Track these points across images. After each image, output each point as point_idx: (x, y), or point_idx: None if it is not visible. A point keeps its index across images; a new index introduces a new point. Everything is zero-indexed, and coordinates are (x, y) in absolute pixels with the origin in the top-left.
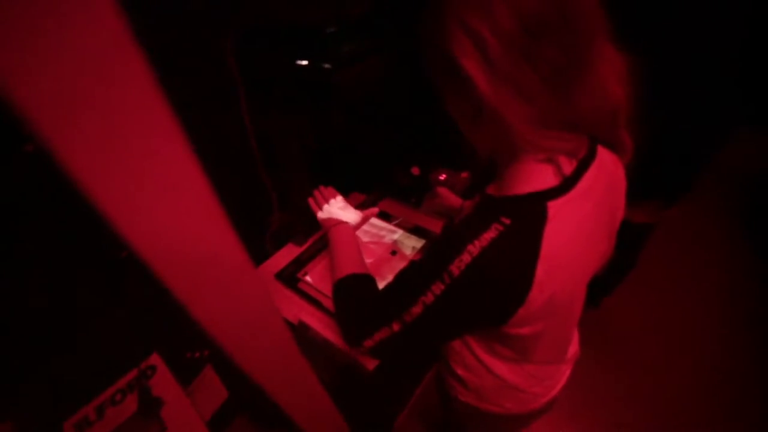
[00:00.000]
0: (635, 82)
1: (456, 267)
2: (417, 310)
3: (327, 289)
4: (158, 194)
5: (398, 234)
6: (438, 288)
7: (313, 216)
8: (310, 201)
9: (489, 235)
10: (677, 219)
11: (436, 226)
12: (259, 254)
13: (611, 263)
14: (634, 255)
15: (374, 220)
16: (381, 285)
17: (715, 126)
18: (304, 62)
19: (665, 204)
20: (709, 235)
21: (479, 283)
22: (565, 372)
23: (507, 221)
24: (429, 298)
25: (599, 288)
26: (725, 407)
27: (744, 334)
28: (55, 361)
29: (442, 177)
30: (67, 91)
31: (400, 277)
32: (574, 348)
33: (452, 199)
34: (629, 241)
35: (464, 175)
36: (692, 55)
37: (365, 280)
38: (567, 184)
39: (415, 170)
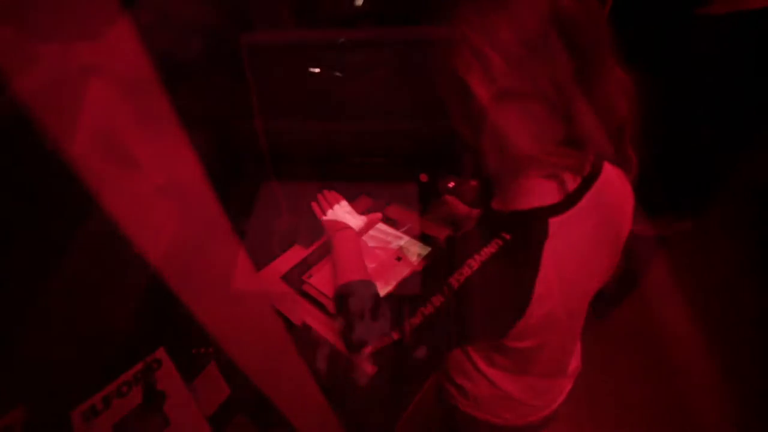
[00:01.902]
0: (644, 96)
1: (455, 280)
2: (416, 320)
3: (330, 291)
4: (166, 203)
5: (404, 240)
6: (437, 300)
7: (318, 220)
8: (314, 205)
9: (489, 250)
10: (688, 232)
11: (442, 234)
12: (265, 255)
13: (619, 276)
14: (643, 268)
15: (381, 226)
16: (384, 290)
17: (733, 137)
18: (316, 69)
19: (677, 217)
20: (721, 250)
21: (477, 296)
22: (566, 387)
23: (507, 237)
24: (428, 309)
25: (606, 301)
26: (731, 423)
27: (753, 351)
28: (66, 350)
29: (451, 184)
30: (74, 98)
31: (402, 287)
32: (575, 363)
33: (459, 207)
34: (638, 254)
35: (473, 183)
36: (709, 66)
37: (367, 286)
38: (569, 201)
39: (423, 177)
